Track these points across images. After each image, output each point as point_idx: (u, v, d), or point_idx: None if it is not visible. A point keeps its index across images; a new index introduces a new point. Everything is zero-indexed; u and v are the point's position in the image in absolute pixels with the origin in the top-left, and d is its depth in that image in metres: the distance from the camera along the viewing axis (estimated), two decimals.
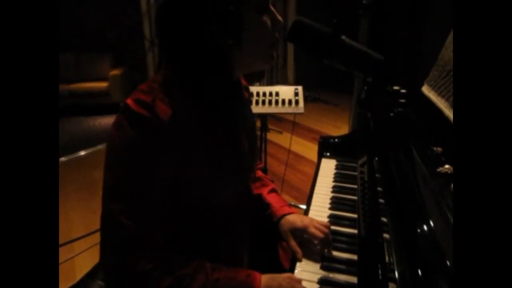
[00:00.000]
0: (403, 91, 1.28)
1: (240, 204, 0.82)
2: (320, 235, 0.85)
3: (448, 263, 0.48)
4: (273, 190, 1.02)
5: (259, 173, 1.07)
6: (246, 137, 0.83)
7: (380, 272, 0.64)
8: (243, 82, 0.90)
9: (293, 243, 0.86)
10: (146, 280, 0.65)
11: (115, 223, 0.64)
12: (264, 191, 0.99)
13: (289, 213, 0.92)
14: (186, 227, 0.77)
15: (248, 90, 0.96)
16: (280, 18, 0.73)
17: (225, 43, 0.66)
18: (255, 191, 0.99)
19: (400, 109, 1.10)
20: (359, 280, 0.77)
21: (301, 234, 0.88)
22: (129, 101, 0.65)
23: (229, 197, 0.77)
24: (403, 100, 1.19)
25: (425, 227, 0.57)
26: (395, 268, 0.55)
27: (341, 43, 0.74)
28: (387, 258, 0.63)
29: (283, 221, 0.90)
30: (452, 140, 0.44)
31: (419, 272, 0.49)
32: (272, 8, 0.72)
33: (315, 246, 0.86)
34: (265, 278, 0.72)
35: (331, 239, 0.87)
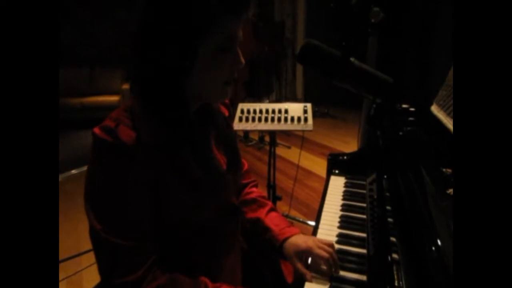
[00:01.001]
0: (412, 109, 1.29)
1: (226, 220, 0.83)
2: (326, 255, 0.84)
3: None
4: (271, 210, 1.00)
5: (254, 192, 1.05)
6: (224, 155, 0.84)
7: None
8: (226, 101, 0.91)
9: (299, 265, 0.86)
10: None
11: (104, 243, 0.66)
12: (262, 214, 0.98)
13: (292, 235, 0.92)
14: (175, 244, 0.78)
15: (229, 107, 0.96)
16: (242, 60, 0.72)
17: (178, 71, 0.67)
18: (252, 215, 0.98)
19: (409, 128, 1.11)
20: None
21: (306, 256, 0.87)
22: (95, 129, 0.67)
23: (213, 214, 0.78)
24: (412, 119, 1.20)
25: (433, 249, 0.57)
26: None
27: (350, 65, 0.76)
28: (396, 279, 0.63)
29: (286, 245, 0.90)
30: (452, 149, 0.46)
31: None
32: (238, 50, 0.72)
33: (322, 267, 0.86)
34: None
35: (337, 258, 0.86)
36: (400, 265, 0.62)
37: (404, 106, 1.31)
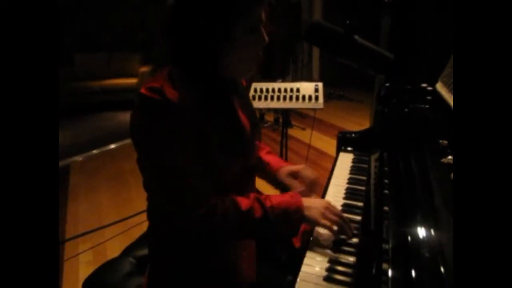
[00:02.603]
0: (430, 88, 1.30)
1: (246, 177, 0.94)
2: (313, 175, 1.02)
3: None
4: (269, 152, 1.14)
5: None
6: (248, 120, 0.94)
7: (376, 257, 0.70)
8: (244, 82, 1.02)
9: (289, 180, 1.02)
10: (218, 221, 0.80)
11: (169, 187, 0.79)
12: (262, 153, 1.11)
13: (285, 165, 1.07)
14: None
15: (245, 79, 1.07)
16: (266, 38, 0.82)
17: (218, 51, 0.77)
18: None
19: (415, 105, 1.14)
20: (357, 260, 0.83)
21: (296, 174, 1.03)
22: (142, 90, 0.75)
23: (239, 171, 0.88)
24: (427, 98, 1.22)
25: (421, 222, 0.62)
26: (389, 251, 0.61)
27: (353, 42, 0.80)
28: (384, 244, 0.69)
29: (280, 170, 1.05)
30: (453, 135, 0.47)
31: (410, 254, 0.55)
32: (262, 30, 0.81)
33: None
34: (304, 198, 0.89)
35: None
36: (389, 230, 0.67)
37: (423, 85, 1.33)
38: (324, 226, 0.86)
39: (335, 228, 0.87)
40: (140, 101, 0.75)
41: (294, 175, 1.03)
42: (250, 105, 1.01)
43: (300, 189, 0.99)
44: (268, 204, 0.83)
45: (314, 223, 0.87)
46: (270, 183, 1.07)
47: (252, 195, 0.86)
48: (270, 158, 1.10)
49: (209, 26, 0.75)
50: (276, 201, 0.85)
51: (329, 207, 0.88)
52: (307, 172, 1.03)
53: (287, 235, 0.95)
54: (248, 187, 0.97)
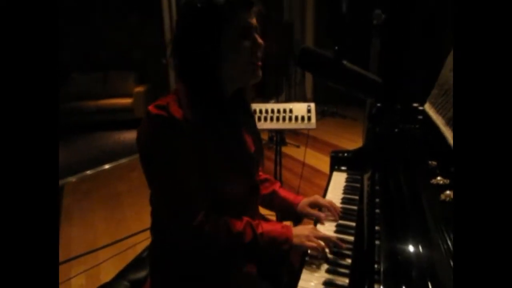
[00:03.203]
0: (421, 108, 1.33)
1: (249, 196, 0.97)
2: (328, 203, 1.12)
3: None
4: (280, 186, 1.21)
5: (263, 174, 1.21)
6: (252, 141, 0.99)
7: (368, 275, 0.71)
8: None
9: (313, 211, 1.12)
10: (209, 236, 0.84)
11: (169, 197, 0.84)
12: (276, 188, 1.19)
13: (302, 199, 1.17)
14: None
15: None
16: (261, 41, 0.88)
17: (209, 61, 0.84)
18: (267, 191, 1.17)
19: (404, 125, 1.17)
20: (350, 281, 0.84)
21: (314, 203, 1.14)
22: (150, 108, 0.82)
23: (241, 190, 0.92)
24: (421, 117, 1.25)
25: (411, 239, 0.64)
26: (381, 269, 0.62)
27: (342, 67, 0.83)
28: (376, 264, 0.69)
29: (299, 205, 1.14)
30: (450, 154, 0.49)
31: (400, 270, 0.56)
32: (255, 35, 0.87)
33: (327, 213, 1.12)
34: (294, 228, 0.95)
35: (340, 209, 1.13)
36: (381, 250, 0.68)
37: (414, 105, 1.36)
38: (311, 248, 0.92)
39: (322, 244, 0.92)
40: (147, 117, 0.82)
41: (312, 205, 1.14)
42: (255, 124, 1.07)
43: (327, 215, 1.11)
44: (259, 230, 0.89)
45: (302, 247, 0.92)
46: (288, 216, 1.17)
47: (245, 219, 0.90)
48: (285, 193, 1.18)
49: (199, 39, 0.82)
50: (268, 229, 0.90)
51: (313, 231, 0.95)
52: (321, 199, 1.15)
53: (274, 259, 1.01)
54: (251, 207, 1.00)
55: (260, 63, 0.90)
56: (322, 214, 1.11)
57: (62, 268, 2.14)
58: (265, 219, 1.14)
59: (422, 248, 0.62)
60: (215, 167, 0.86)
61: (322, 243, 0.92)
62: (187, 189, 0.83)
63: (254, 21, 0.87)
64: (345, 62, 0.84)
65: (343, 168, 1.49)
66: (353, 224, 1.09)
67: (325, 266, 0.91)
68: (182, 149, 0.81)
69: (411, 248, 0.63)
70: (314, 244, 0.91)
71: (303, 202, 1.14)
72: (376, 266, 0.68)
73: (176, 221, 0.85)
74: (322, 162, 3.53)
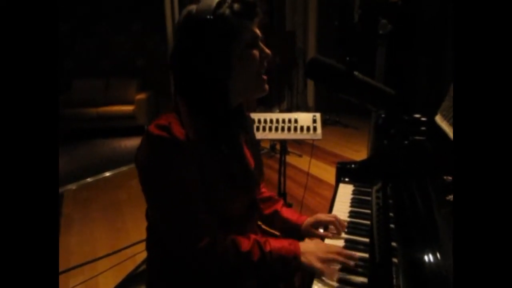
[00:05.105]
0: (423, 119, 1.31)
1: (249, 213, 0.95)
2: (332, 218, 1.07)
3: None
4: (283, 205, 1.18)
5: (266, 192, 1.18)
6: (252, 156, 0.96)
7: None
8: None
9: (317, 231, 1.08)
10: (217, 258, 0.81)
11: (173, 220, 0.80)
12: (278, 207, 1.15)
13: (305, 219, 1.13)
14: None
15: (249, 118, 1.12)
16: (267, 51, 0.87)
17: (218, 74, 0.81)
18: (269, 210, 1.14)
19: (415, 137, 1.14)
20: None
21: (319, 222, 1.10)
22: (150, 127, 0.79)
23: (241, 207, 0.90)
24: (424, 128, 1.22)
25: (431, 254, 0.60)
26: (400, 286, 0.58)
27: (354, 78, 0.81)
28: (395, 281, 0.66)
29: (303, 226, 1.10)
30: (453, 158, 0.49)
31: None
32: (261, 44, 0.86)
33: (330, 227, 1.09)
34: (301, 243, 0.91)
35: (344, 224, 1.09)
36: (399, 268, 0.65)
37: (416, 115, 1.34)
38: (321, 270, 0.86)
39: (336, 267, 0.87)
40: (147, 138, 0.79)
41: (315, 224, 1.10)
42: (255, 140, 1.04)
43: (331, 229, 1.08)
44: (267, 248, 0.86)
45: (311, 269, 0.87)
46: (291, 236, 1.08)
47: (253, 237, 0.87)
48: (287, 213, 1.14)
49: (208, 52, 0.79)
50: (276, 246, 0.87)
51: (322, 248, 0.90)
52: (324, 216, 1.10)
53: (283, 277, 0.98)
54: (250, 223, 0.98)
55: (265, 77, 0.88)
56: (329, 234, 1.07)
57: (60, 279, 2.10)
58: (268, 234, 1.12)
59: (445, 268, 0.58)
60: (215, 185, 0.83)
61: (331, 268, 0.87)
62: (191, 211, 0.80)
63: (258, 31, 0.86)
64: (356, 73, 0.82)
65: (348, 179, 1.46)
66: (362, 239, 1.05)
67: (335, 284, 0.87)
68: (185, 171, 0.78)
69: (431, 266, 0.60)
70: (324, 268, 0.86)
71: (306, 223, 1.11)
72: (395, 281, 0.64)
73: (181, 244, 0.82)
74: (325, 172, 3.50)
